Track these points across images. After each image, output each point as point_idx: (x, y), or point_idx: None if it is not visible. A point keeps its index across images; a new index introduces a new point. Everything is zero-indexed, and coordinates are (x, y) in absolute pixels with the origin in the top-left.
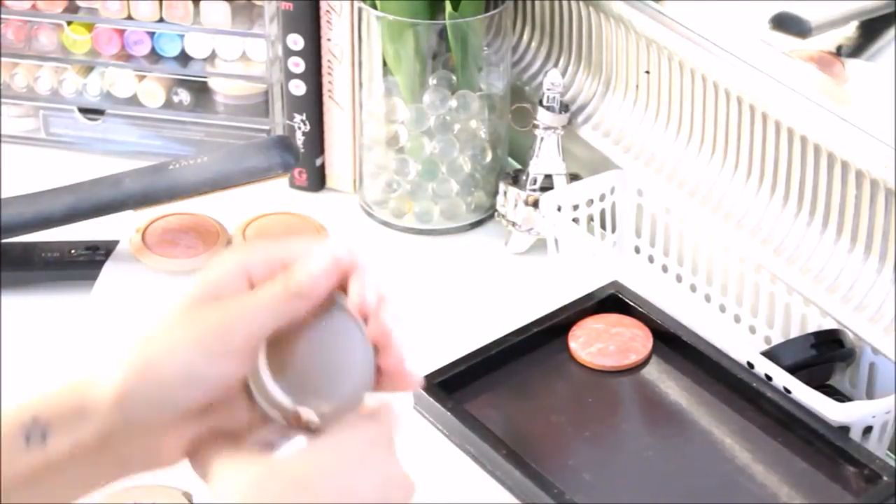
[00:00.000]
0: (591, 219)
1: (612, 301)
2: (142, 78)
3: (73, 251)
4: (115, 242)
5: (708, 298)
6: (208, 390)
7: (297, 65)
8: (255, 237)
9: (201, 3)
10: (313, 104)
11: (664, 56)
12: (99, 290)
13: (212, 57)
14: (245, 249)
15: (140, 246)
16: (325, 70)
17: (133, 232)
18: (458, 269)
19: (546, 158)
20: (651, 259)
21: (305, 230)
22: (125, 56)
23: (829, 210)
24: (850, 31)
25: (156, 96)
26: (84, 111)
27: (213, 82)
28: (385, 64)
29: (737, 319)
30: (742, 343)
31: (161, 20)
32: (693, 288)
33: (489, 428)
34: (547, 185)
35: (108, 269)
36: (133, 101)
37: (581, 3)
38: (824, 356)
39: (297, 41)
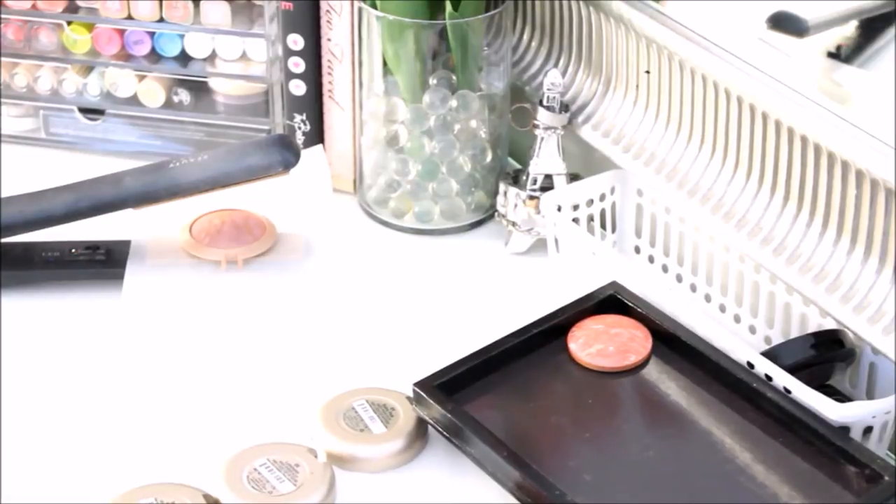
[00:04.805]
0: (591, 219)
1: (611, 301)
2: (142, 78)
3: (73, 251)
4: (116, 242)
5: (708, 298)
6: None
7: (297, 65)
8: (201, 233)
9: (201, 3)
10: (313, 104)
11: (664, 56)
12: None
13: (212, 57)
14: None
15: (190, 242)
16: (325, 70)
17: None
18: (458, 269)
19: (546, 158)
20: (651, 259)
21: (253, 226)
22: (125, 56)
23: (829, 210)
24: (849, 30)
25: (156, 96)
26: (84, 111)
27: (213, 82)
28: (385, 64)
29: (737, 319)
30: (742, 343)
31: (161, 20)
32: (693, 288)
33: (489, 429)
34: (547, 185)
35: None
36: (133, 101)
37: (581, 3)
38: (824, 356)
39: (297, 41)
